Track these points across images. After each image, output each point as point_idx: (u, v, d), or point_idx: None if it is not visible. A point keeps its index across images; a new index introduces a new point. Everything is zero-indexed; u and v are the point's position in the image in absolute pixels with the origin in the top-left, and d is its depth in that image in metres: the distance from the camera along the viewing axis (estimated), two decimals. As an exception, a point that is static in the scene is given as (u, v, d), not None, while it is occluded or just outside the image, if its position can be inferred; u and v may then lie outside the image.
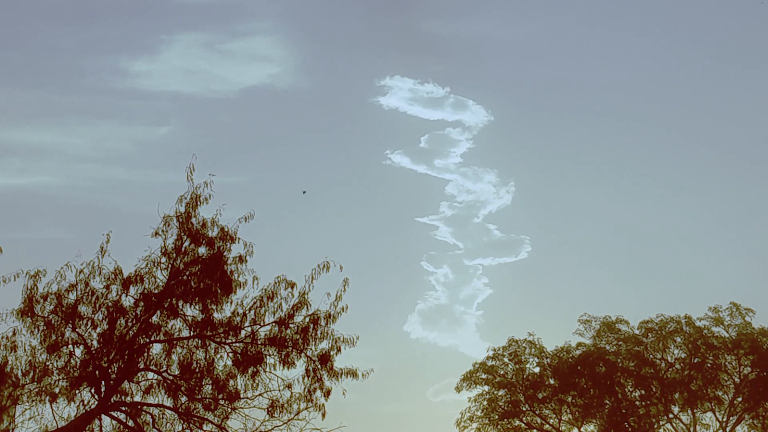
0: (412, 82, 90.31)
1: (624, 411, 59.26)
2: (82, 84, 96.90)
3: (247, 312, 28.07)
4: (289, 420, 28.02)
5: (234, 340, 28.15)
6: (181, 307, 27.81)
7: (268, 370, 28.16)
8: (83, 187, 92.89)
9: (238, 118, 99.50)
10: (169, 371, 27.91)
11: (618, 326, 61.22)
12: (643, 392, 59.81)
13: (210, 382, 27.89)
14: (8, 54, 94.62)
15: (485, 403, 59.96)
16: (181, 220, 27.88)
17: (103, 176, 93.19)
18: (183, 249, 27.91)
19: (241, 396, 28.02)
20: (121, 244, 28.08)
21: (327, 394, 28.25)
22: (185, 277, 27.80)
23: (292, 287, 28.17)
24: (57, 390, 27.25)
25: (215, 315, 27.95)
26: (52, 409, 27.22)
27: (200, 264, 27.82)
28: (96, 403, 27.27)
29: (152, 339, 27.76)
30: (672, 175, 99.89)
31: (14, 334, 27.12)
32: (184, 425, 27.85)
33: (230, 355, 28.15)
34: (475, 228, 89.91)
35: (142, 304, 27.60)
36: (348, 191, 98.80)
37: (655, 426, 59.53)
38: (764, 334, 59.92)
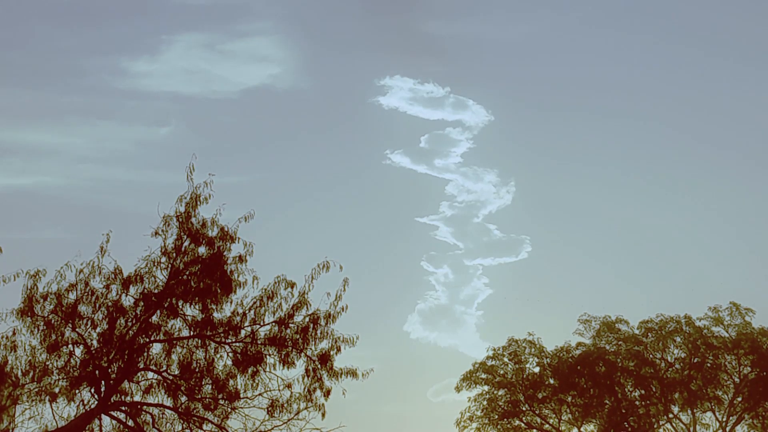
0: (412, 81, 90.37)
1: (624, 411, 59.26)
2: (83, 84, 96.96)
3: (247, 312, 28.08)
4: (288, 420, 28.04)
5: (234, 340, 28.16)
6: (181, 306, 27.82)
7: (268, 369, 28.19)
8: (84, 187, 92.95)
9: (238, 119, 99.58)
10: (169, 371, 27.92)
11: (618, 326, 61.22)
12: (642, 392, 59.81)
13: (210, 381, 27.90)
14: (9, 54, 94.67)
15: (485, 402, 59.96)
16: (181, 219, 27.88)
17: (103, 176, 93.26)
18: (183, 249, 27.91)
19: (241, 396, 28.04)
20: (121, 244, 28.13)
21: (327, 393, 28.26)
22: (185, 277, 27.80)
23: (292, 287, 28.18)
24: (57, 390, 27.26)
25: (215, 315, 27.98)
26: (52, 409, 27.24)
27: (200, 264, 27.83)
28: (96, 402, 27.28)
29: (152, 339, 27.77)
30: (672, 175, 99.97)
31: (14, 333, 27.14)
32: (184, 425, 27.86)
33: (230, 354, 28.16)
34: (475, 228, 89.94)
35: (142, 303, 27.60)
36: (348, 191, 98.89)
37: (655, 426, 59.54)
38: (764, 334, 59.91)
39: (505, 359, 60.77)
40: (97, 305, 27.43)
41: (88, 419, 26.96)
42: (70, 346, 27.44)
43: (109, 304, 27.49)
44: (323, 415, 28.09)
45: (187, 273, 27.84)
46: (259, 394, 28.13)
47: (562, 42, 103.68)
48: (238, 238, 28.15)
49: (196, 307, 27.88)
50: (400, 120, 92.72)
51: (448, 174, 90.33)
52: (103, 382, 27.40)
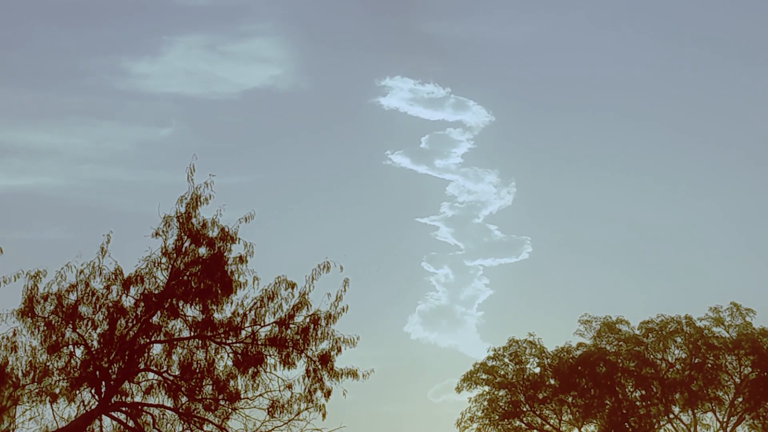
0: (412, 82, 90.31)
1: (624, 411, 59.26)
2: (84, 85, 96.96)
3: (247, 312, 28.07)
4: (289, 420, 28.03)
5: (234, 341, 28.15)
6: (181, 307, 27.82)
7: (268, 370, 28.18)
8: (84, 187, 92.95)
9: (239, 119, 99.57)
10: (169, 371, 27.91)
11: (618, 326, 61.21)
12: (643, 392, 59.81)
13: (210, 382, 27.89)
14: (10, 54, 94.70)
15: (486, 403, 59.95)
16: (181, 220, 27.88)
17: (104, 177, 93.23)
18: (183, 249, 27.90)
19: (242, 396, 28.03)
20: (122, 245, 28.12)
21: (327, 394, 28.25)
22: (186, 278, 27.80)
23: (293, 287, 28.17)
24: (57, 390, 27.26)
25: (216, 315, 27.96)
26: (53, 410, 27.24)
27: (200, 264, 27.82)
28: (96, 403, 27.27)
29: (153, 339, 27.76)
30: (673, 175, 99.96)
31: (14, 334, 27.14)
32: (185, 426, 27.85)
33: (231, 355, 28.15)
34: (475, 228, 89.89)
35: (143, 304, 27.60)
36: (348, 192, 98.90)
37: (656, 426, 59.53)
38: (765, 335, 59.89)
39: (506, 360, 60.77)
40: (98, 306, 27.43)
41: (88, 420, 26.96)
42: (70, 346, 27.44)
43: (110, 304, 27.49)
44: (324, 415, 28.09)
45: (188, 273, 27.84)
46: (260, 395, 28.14)
47: (563, 42, 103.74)
48: (239, 239, 28.16)
49: (197, 307, 27.87)
50: (401, 120, 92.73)
51: (448, 174, 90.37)
52: (103, 383, 27.39)
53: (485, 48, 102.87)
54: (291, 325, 28.18)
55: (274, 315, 28.15)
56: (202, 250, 28.00)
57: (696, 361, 60.01)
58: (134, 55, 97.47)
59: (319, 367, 28.23)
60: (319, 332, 28.24)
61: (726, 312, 60.82)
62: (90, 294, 27.38)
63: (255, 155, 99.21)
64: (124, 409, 27.64)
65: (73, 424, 26.81)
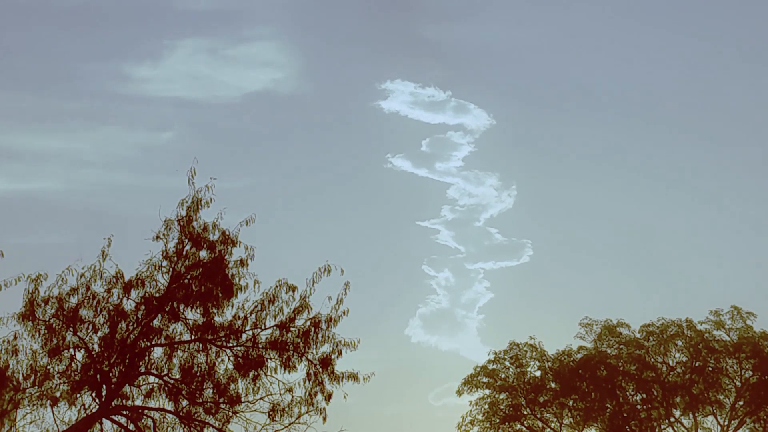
0: (413, 85, 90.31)
1: (625, 415, 59.23)
2: (86, 89, 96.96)
3: (248, 315, 28.08)
4: (290, 424, 28.03)
5: (235, 344, 28.15)
6: (182, 310, 27.83)
7: (269, 373, 28.19)
8: (85, 191, 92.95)
9: (240, 123, 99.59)
10: (170, 375, 27.92)
11: (619, 330, 61.20)
12: (644, 396, 59.81)
13: (211, 385, 27.90)
14: (11, 58, 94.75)
15: (486, 406, 59.94)
16: (182, 223, 27.89)
17: (105, 181, 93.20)
18: (184, 252, 27.91)
19: (243, 400, 28.03)
20: (123, 248, 28.13)
21: (328, 397, 28.25)
22: (186, 281, 27.81)
23: (293, 291, 28.18)
24: (58, 394, 27.26)
25: (216, 318, 27.98)
26: (53, 413, 27.24)
27: (201, 267, 27.83)
28: (97, 407, 27.27)
29: (153, 343, 27.77)
30: (673, 179, 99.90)
31: (15, 338, 27.14)
32: (185, 429, 27.85)
33: (231, 358, 28.16)
34: (476, 232, 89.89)
35: (143, 307, 27.61)
36: (349, 195, 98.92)
37: (657, 430, 59.51)
38: (765, 338, 59.86)
39: (507, 363, 60.76)
40: (99, 309, 27.44)
41: (89, 423, 26.96)
42: (71, 350, 27.45)
43: (111, 308, 27.50)
44: (324, 418, 28.10)
45: (189, 277, 27.84)
46: (261, 398, 28.15)
47: (563, 45, 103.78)
48: (240, 242, 28.17)
49: (198, 311, 27.88)
50: (402, 124, 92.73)
51: (449, 178, 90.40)
52: (104, 386, 27.40)
53: (486, 51, 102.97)
54: (292, 329, 28.19)
55: (275, 318, 28.18)
56: (203, 254, 28.01)
57: (697, 364, 59.99)
58: (136, 60, 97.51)
59: (320, 370, 28.23)
60: (319, 335, 28.25)
61: (727, 315, 60.80)
62: (91, 297, 27.40)
63: (256, 159, 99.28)
64: (124, 412, 27.63)
65: (74, 428, 26.81)
